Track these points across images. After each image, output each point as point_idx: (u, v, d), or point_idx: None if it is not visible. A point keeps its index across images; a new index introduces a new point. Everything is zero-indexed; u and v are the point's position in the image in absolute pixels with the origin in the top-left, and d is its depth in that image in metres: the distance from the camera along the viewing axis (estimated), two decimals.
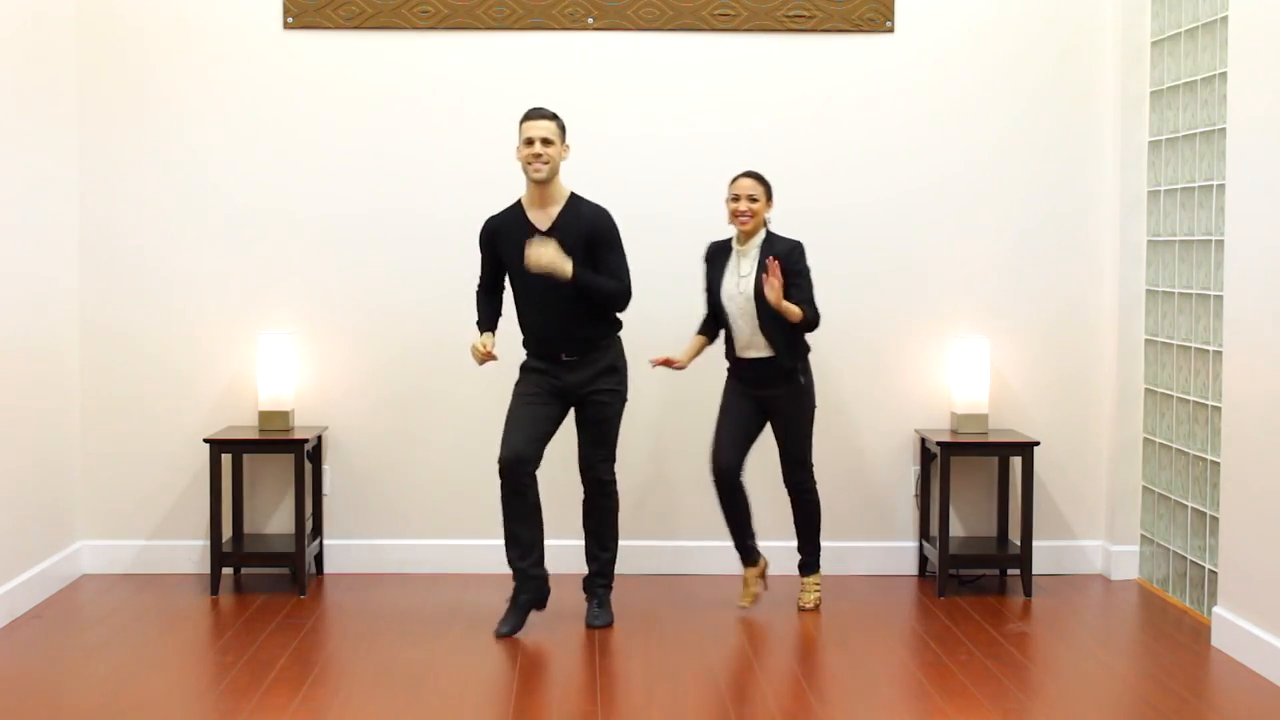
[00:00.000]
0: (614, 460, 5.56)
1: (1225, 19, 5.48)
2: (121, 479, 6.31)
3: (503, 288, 5.57)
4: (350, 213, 6.31)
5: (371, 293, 6.32)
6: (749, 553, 5.79)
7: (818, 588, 5.85)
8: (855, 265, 6.34)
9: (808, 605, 5.79)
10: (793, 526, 5.86)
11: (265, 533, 6.35)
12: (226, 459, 6.18)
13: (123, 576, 6.26)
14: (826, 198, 6.33)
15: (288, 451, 6.08)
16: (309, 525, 6.18)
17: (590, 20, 6.28)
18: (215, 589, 5.98)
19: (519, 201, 5.47)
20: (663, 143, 6.31)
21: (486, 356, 5.40)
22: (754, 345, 5.60)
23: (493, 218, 5.50)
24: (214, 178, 6.29)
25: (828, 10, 6.29)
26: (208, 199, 6.29)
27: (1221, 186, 5.51)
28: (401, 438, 6.35)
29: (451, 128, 6.28)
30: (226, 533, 6.20)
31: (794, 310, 5.46)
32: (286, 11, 6.25)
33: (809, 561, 5.85)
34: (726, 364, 5.74)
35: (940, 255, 6.37)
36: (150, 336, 6.30)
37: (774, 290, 5.39)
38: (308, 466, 6.15)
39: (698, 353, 5.76)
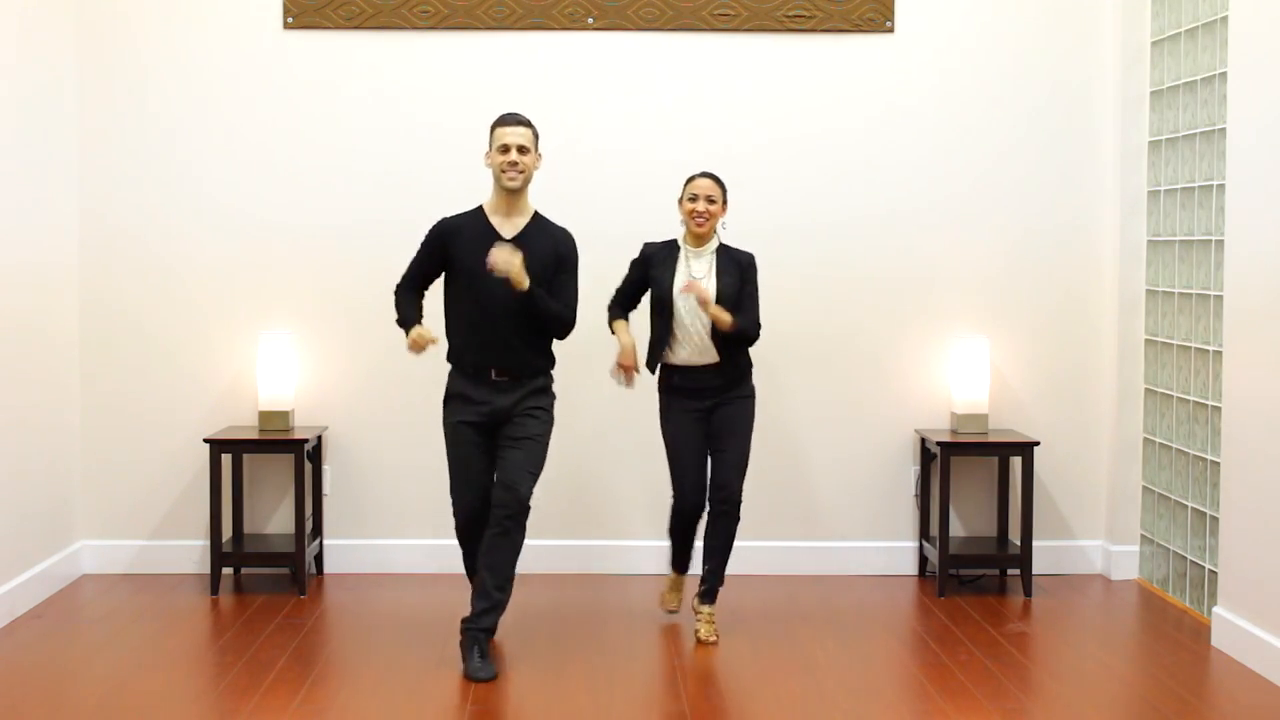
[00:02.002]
0: (533, 481, 5.10)
1: (1225, 19, 5.48)
2: (121, 479, 6.32)
3: (425, 289, 5.29)
4: (350, 212, 6.31)
5: (371, 292, 6.29)
6: (684, 561, 5.63)
7: (714, 619, 5.45)
8: (855, 265, 6.34)
9: (710, 639, 5.36)
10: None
11: (265, 533, 6.35)
12: (226, 459, 6.18)
13: (123, 576, 6.26)
14: (826, 197, 6.34)
15: (288, 451, 6.09)
16: (309, 525, 6.19)
17: (590, 20, 6.28)
18: (215, 589, 5.98)
19: (480, 208, 5.23)
20: (661, 143, 6.31)
21: (429, 341, 5.09)
22: (705, 352, 5.34)
23: (450, 218, 5.24)
24: (214, 178, 6.29)
25: (828, 10, 6.29)
26: (207, 199, 6.29)
27: (1221, 186, 5.51)
28: (401, 438, 6.35)
29: (452, 127, 6.28)
30: (226, 533, 6.20)
31: (727, 319, 5.26)
32: (286, 11, 6.25)
33: (714, 589, 5.45)
34: (661, 378, 5.45)
35: (940, 255, 6.37)
36: (150, 336, 6.31)
37: (703, 302, 5.24)
38: (308, 466, 6.15)
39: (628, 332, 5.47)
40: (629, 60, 6.33)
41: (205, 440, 6.05)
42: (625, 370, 5.37)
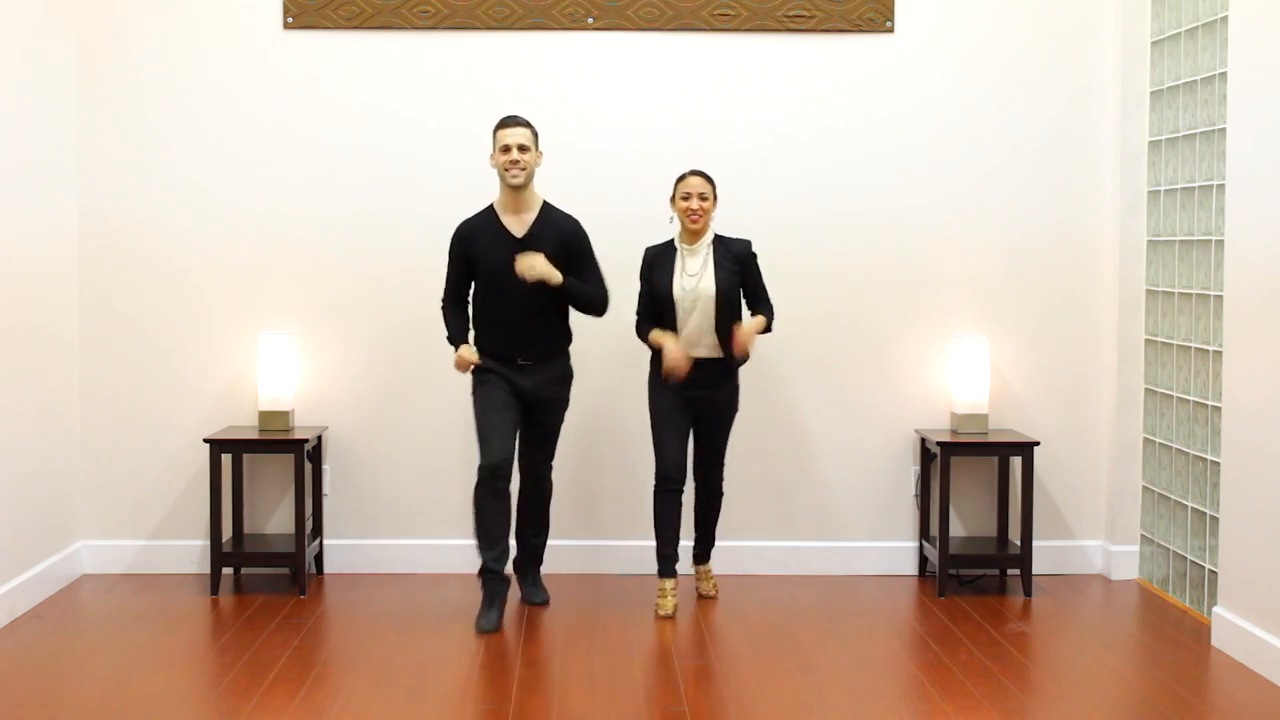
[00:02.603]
0: (553, 460, 5.82)
1: (1225, 19, 5.48)
2: (121, 479, 6.31)
3: (468, 298, 5.71)
4: (350, 212, 6.31)
5: (372, 292, 6.32)
6: (671, 561, 5.75)
7: (712, 574, 6.01)
8: (855, 265, 6.34)
9: (710, 593, 5.94)
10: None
11: (265, 533, 6.35)
12: (226, 459, 6.18)
13: (123, 576, 6.26)
14: (826, 197, 6.34)
15: (288, 451, 6.08)
16: (309, 525, 6.18)
17: (590, 20, 6.28)
18: (215, 589, 5.98)
19: (490, 207, 5.66)
20: (661, 142, 6.30)
21: (472, 363, 5.60)
22: (701, 345, 5.63)
23: (465, 222, 5.68)
24: (214, 178, 6.29)
25: (828, 10, 6.29)
26: (207, 199, 6.29)
27: (1221, 186, 5.51)
28: (402, 438, 6.35)
29: (452, 127, 6.28)
30: (226, 533, 6.20)
31: (760, 327, 5.68)
32: (286, 11, 6.25)
33: (707, 550, 5.97)
34: (655, 362, 5.70)
35: (940, 255, 6.37)
36: (150, 337, 6.31)
37: (743, 346, 5.59)
38: (308, 466, 6.15)
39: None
40: (629, 60, 6.33)
41: (205, 440, 6.05)
42: (675, 363, 5.56)
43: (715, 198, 5.67)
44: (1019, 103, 6.35)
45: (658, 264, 5.69)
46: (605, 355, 6.17)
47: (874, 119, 6.35)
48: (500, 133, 5.56)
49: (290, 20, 6.26)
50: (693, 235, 5.66)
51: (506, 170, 5.53)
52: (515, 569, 5.86)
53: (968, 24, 6.34)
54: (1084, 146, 6.35)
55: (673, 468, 5.67)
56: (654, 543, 5.77)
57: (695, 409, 5.70)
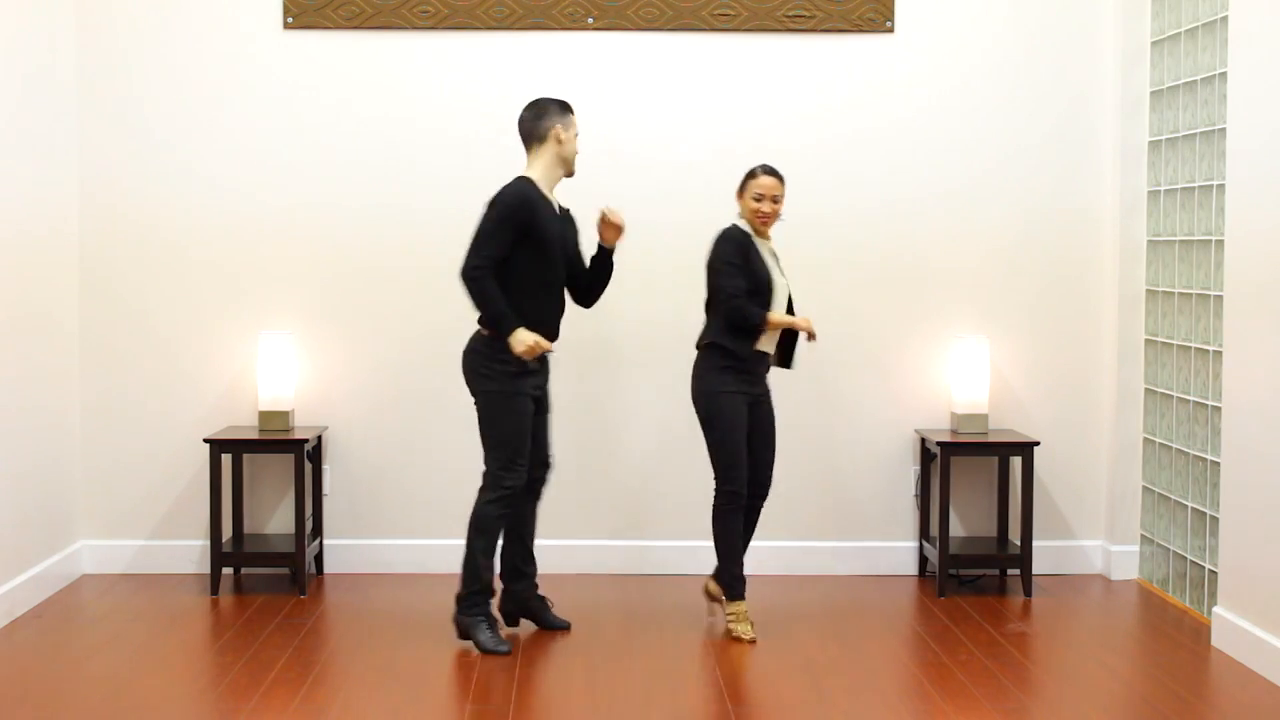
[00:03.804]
0: None
1: (1225, 19, 5.48)
2: (121, 479, 6.31)
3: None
4: (351, 212, 6.31)
5: (372, 292, 6.32)
6: (743, 582, 5.43)
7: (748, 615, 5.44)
8: (855, 265, 6.34)
9: (751, 636, 5.34)
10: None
11: (265, 533, 6.35)
12: (226, 459, 6.18)
13: (123, 576, 6.26)
14: (826, 197, 6.33)
15: (288, 451, 6.08)
16: (309, 525, 6.18)
17: (590, 20, 6.28)
18: (215, 589, 5.98)
19: (529, 179, 5.24)
20: (662, 142, 6.31)
21: (547, 349, 5.20)
22: (773, 338, 5.46)
23: (523, 189, 5.19)
24: (213, 178, 6.29)
25: (828, 10, 6.29)
26: (207, 199, 6.29)
27: (1221, 186, 5.52)
28: (401, 438, 6.35)
29: (452, 127, 6.28)
30: (226, 533, 6.20)
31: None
32: (286, 11, 6.25)
33: (741, 585, 5.42)
34: (720, 358, 5.35)
35: (940, 255, 6.37)
36: (150, 336, 6.30)
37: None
38: (308, 466, 6.15)
39: None
40: (629, 60, 6.33)
41: (205, 440, 6.05)
42: (808, 327, 5.43)
43: (783, 197, 5.45)
44: (1019, 102, 6.35)
45: (750, 249, 5.37)
46: (617, 354, 6.17)
47: (874, 119, 6.35)
48: (573, 118, 5.30)
49: (290, 20, 6.26)
50: (763, 230, 5.45)
51: (574, 157, 5.29)
52: (524, 606, 5.46)
53: (968, 24, 6.34)
54: (1084, 146, 6.35)
55: (743, 485, 5.36)
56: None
57: (752, 411, 5.41)
